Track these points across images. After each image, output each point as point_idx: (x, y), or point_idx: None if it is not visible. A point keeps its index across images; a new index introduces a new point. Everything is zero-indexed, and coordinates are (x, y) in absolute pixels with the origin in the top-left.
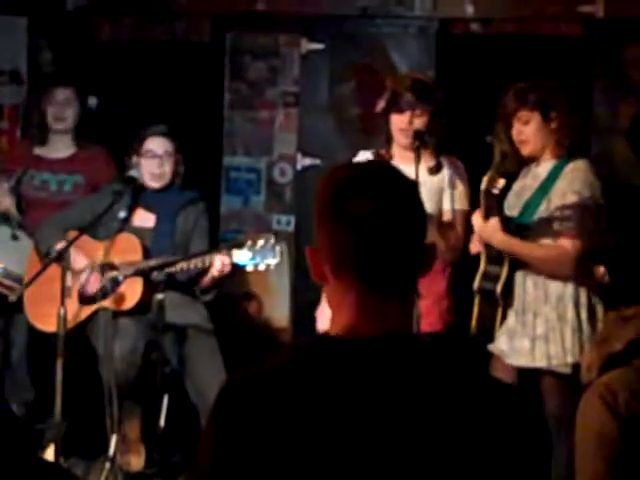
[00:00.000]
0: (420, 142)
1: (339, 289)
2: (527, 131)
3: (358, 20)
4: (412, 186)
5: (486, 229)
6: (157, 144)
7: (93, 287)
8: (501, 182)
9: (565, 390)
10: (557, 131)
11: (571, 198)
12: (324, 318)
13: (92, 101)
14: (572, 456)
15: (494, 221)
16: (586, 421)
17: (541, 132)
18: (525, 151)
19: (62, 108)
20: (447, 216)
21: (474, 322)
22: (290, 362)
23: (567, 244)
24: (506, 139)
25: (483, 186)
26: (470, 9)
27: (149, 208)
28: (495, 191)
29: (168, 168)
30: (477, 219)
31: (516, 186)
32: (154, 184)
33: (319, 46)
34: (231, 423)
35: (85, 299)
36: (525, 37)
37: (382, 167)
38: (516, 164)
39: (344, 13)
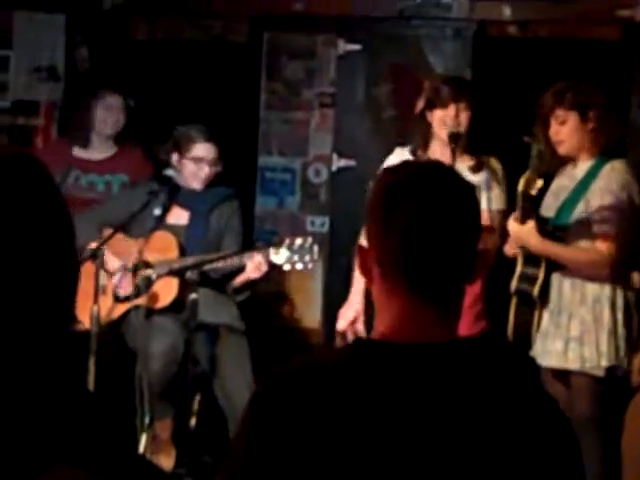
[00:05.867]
0: (456, 144)
1: (385, 291)
2: (564, 131)
3: (395, 21)
4: (467, 188)
5: (522, 233)
6: (207, 150)
7: (126, 289)
8: (539, 183)
9: (597, 392)
10: (594, 131)
11: (609, 199)
12: (347, 316)
13: (129, 102)
14: (606, 460)
15: (530, 225)
16: (635, 426)
17: (578, 132)
18: (562, 150)
19: (116, 114)
20: (484, 217)
21: (511, 325)
22: (326, 364)
23: (603, 247)
24: (544, 139)
25: (520, 187)
26: (507, 12)
27: (183, 205)
28: (533, 192)
29: (213, 172)
30: (513, 223)
31: (553, 186)
32: (196, 185)
33: (356, 47)
34: (265, 423)
35: (119, 300)
36: (562, 40)
37: (436, 169)
38: (554, 164)
39: (381, 14)
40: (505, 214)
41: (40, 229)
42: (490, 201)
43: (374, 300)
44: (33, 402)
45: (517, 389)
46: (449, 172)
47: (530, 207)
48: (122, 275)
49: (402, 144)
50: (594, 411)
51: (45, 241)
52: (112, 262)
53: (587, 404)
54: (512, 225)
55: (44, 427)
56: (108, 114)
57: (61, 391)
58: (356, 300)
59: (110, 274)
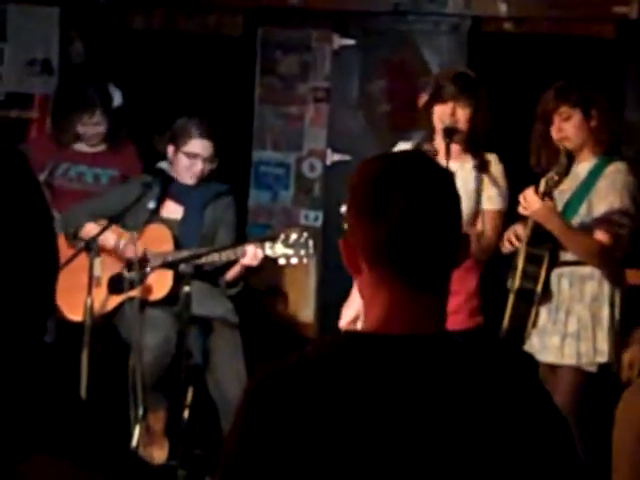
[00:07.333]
0: (451, 139)
1: (373, 282)
2: (568, 127)
3: (390, 16)
4: (447, 175)
5: (544, 208)
6: (202, 147)
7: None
8: (567, 184)
9: (582, 387)
10: (596, 129)
11: (613, 199)
12: (348, 315)
13: (117, 98)
14: (583, 454)
15: (551, 203)
16: (626, 421)
17: (581, 129)
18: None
19: (94, 128)
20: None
21: (506, 321)
22: (318, 358)
23: (602, 237)
24: (544, 136)
25: (542, 188)
26: (503, 8)
27: (178, 200)
28: (557, 192)
29: (207, 169)
30: (534, 196)
31: None
32: (188, 180)
33: (351, 42)
34: (259, 420)
35: (114, 291)
36: (558, 37)
37: (415, 157)
38: (552, 163)
39: (376, 9)
40: (503, 215)
41: (18, 223)
42: (484, 201)
43: (361, 293)
44: (10, 393)
45: (510, 381)
46: (427, 160)
47: (552, 197)
48: (129, 241)
49: (396, 140)
50: (575, 405)
51: (23, 236)
52: (109, 238)
53: (570, 398)
54: (533, 197)
55: (22, 418)
56: (89, 129)
57: (40, 383)
58: (357, 298)
59: (108, 250)
